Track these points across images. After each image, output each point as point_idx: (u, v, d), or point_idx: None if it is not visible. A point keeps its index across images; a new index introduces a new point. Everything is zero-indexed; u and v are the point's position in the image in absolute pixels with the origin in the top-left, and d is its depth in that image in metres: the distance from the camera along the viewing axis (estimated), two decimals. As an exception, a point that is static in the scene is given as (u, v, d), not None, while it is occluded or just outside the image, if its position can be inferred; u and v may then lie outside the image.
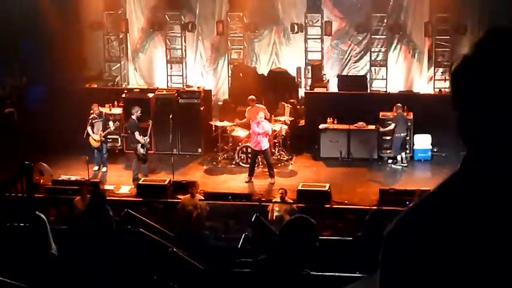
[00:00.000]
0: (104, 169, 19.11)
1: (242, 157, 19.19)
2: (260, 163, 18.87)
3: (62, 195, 16.63)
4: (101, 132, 18.94)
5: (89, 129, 18.90)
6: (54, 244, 6.57)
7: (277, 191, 16.55)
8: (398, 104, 19.16)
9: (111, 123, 19.18)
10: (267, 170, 18.48)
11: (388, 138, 19.53)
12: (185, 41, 23.55)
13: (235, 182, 18.44)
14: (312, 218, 5.25)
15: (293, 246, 5.07)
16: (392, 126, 19.16)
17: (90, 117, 18.95)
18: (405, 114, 19.27)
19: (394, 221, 1.77)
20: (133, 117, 18.55)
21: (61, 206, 15.43)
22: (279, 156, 19.53)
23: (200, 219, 15.21)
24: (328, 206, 16.53)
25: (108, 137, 19.46)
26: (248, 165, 18.64)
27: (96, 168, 19.01)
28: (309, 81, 22.27)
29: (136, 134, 18.42)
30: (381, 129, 19.44)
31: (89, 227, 6.17)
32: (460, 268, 1.64)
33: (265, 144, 18.15)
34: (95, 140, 18.94)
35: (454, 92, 1.75)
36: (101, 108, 19.35)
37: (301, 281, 5.06)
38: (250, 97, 19.25)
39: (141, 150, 18.41)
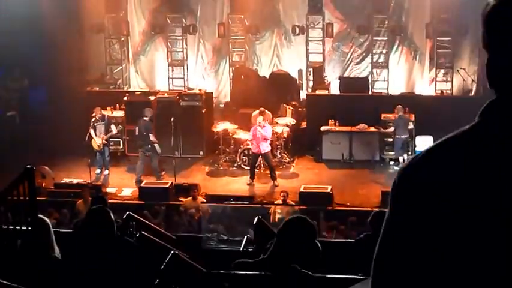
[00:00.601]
0: (106, 172, 19.12)
1: (244, 159, 19.18)
2: (261, 165, 18.86)
3: (63, 198, 16.65)
4: (103, 135, 18.95)
5: (91, 131, 18.91)
6: (57, 247, 6.57)
7: (279, 193, 16.57)
8: (399, 106, 19.15)
9: (113, 127, 19.20)
10: (268, 172, 18.48)
11: (390, 140, 19.53)
12: (186, 44, 23.55)
13: (237, 185, 18.44)
14: (314, 220, 5.25)
15: (291, 246, 5.06)
16: (392, 129, 19.18)
17: (92, 120, 18.96)
18: (407, 115, 19.27)
19: (410, 158, 1.76)
20: (147, 118, 18.71)
21: (63, 209, 15.43)
22: (280, 158, 19.53)
23: (202, 222, 15.21)
24: (330, 208, 16.53)
25: (110, 140, 19.46)
26: (249, 168, 18.65)
27: (98, 171, 19.01)
28: (311, 83, 22.28)
29: (151, 135, 18.59)
30: (382, 130, 19.46)
31: (90, 230, 6.17)
32: (473, 215, 1.62)
33: (265, 147, 18.14)
34: (97, 143, 18.95)
35: (487, 32, 1.73)
36: (103, 112, 19.36)
37: (302, 282, 5.05)
38: (261, 109, 19.15)
39: (159, 150, 18.61)
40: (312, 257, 5.11)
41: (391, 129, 19.19)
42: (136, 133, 18.98)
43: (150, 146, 18.63)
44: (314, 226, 5.25)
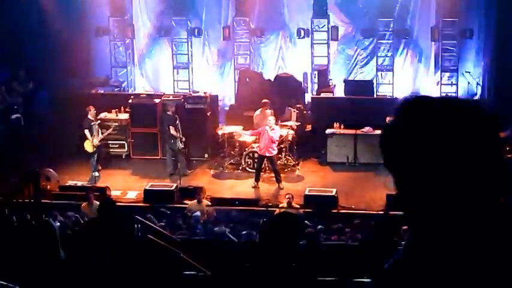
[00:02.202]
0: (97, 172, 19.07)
1: (249, 162, 19.17)
2: (266, 168, 18.85)
3: (68, 200, 16.68)
4: (95, 135, 18.85)
5: (86, 132, 18.77)
6: (62, 250, 6.58)
7: (284, 196, 16.56)
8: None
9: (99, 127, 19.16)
10: (273, 175, 18.46)
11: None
12: (191, 46, 23.55)
13: (242, 187, 18.43)
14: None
15: (275, 242, 5.11)
16: None
17: (88, 121, 18.82)
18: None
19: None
20: (169, 112, 18.77)
21: (68, 211, 15.45)
22: (285, 161, 19.51)
23: (207, 225, 15.21)
24: (335, 211, 16.53)
25: (115, 142, 19.46)
26: (254, 171, 18.63)
27: (96, 174, 18.86)
28: (316, 86, 22.27)
29: (172, 128, 18.62)
30: None
31: (97, 232, 6.18)
32: None
33: (271, 151, 18.12)
34: (94, 144, 18.82)
35: (387, 158, 1.74)
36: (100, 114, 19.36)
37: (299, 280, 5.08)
38: (264, 100, 19.32)
39: (181, 145, 18.65)
40: (296, 248, 5.16)
41: None
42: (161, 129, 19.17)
43: (172, 141, 18.74)
44: (298, 218, 5.32)
